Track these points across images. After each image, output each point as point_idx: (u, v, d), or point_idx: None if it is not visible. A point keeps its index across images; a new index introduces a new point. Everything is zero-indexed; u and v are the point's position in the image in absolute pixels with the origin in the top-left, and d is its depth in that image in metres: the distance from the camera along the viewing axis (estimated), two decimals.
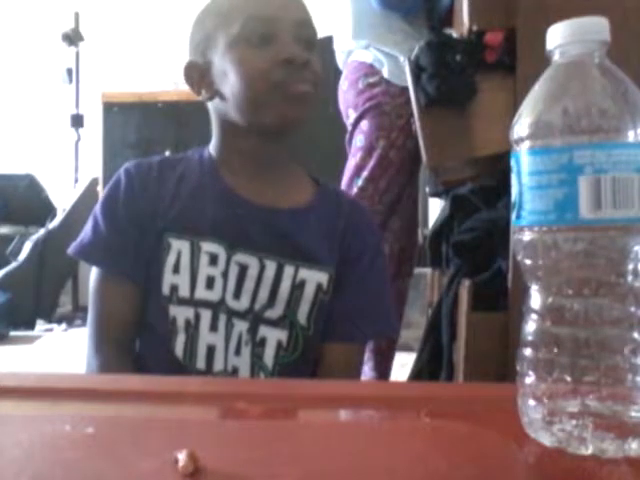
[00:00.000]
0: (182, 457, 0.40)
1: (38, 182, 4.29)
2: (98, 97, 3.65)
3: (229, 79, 0.86)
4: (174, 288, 0.86)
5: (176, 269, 0.86)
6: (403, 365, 1.89)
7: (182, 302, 0.86)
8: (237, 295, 0.86)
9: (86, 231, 0.91)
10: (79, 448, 0.44)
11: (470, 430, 0.48)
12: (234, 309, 0.86)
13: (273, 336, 0.87)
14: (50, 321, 3.81)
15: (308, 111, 0.87)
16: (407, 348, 2.18)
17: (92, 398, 0.57)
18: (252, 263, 0.86)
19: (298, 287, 0.87)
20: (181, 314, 0.86)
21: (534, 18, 1.07)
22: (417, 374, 1.36)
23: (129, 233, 0.88)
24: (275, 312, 0.87)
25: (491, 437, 0.46)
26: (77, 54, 4.17)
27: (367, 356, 1.70)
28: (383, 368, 1.72)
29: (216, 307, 0.86)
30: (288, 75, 0.84)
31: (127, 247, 0.88)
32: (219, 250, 0.86)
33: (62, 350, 3.14)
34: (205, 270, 0.86)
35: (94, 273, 0.90)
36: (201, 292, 0.86)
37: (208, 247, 0.86)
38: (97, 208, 0.92)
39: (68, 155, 4.24)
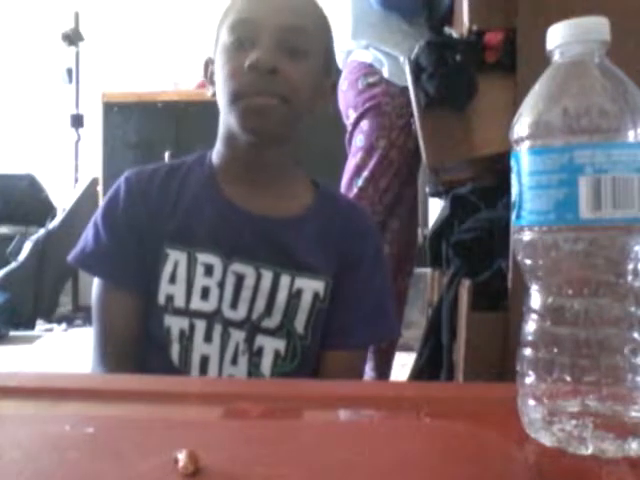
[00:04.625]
0: (182, 457, 0.40)
1: (38, 182, 4.29)
2: (98, 97, 3.65)
3: (217, 81, 0.87)
4: (169, 298, 0.86)
5: (172, 279, 0.86)
6: (403, 365, 1.89)
7: (177, 312, 0.86)
8: (234, 305, 0.86)
9: (87, 240, 0.90)
10: (79, 448, 0.44)
11: (470, 430, 0.48)
12: (231, 319, 0.86)
13: (270, 345, 0.87)
14: (50, 321, 3.81)
15: (275, 124, 0.84)
16: (407, 348, 2.18)
17: (92, 398, 0.57)
18: (248, 273, 0.86)
19: (295, 296, 0.87)
20: (176, 324, 0.86)
21: (534, 18, 1.07)
22: (417, 374, 1.36)
23: (130, 243, 0.88)
24: (272, 321, 0.87)
25: (491, 437, 0.46)
26: (77, 54, 4.17)
27: (367, 356, 1.70)
28: (383, 368, 1.72)
29: (211, 318, 0.86)
30: (250, 84, 0.82)
31: (129, 258, 0.88)
32: (215, 261, 0.86)
33: (62, 350, 3.14)
34: (201, 281, 0.86)
35: (96, 284, 0.90)
36: (196, 303, 0.86)
37: (204, 258, 0.86)
38: (98, 217, 0.91)
39: (68, 155, 4.24)
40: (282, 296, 0.86)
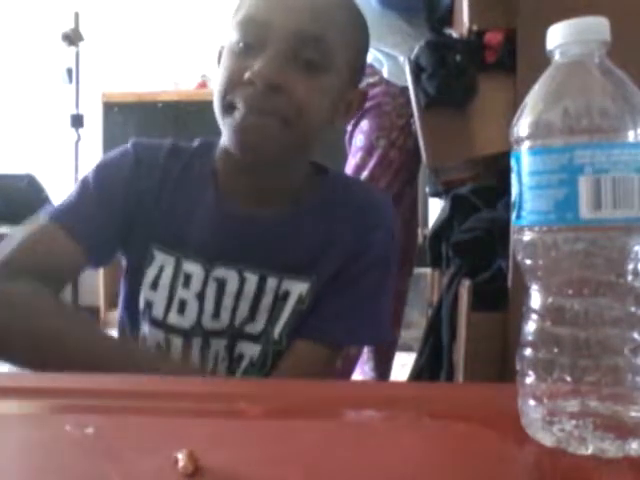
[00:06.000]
0: (182, 457, 0.40)
1: (38, 182, 4.28)
2: (98, 97, 3.66)
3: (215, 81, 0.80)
4: (148, 305, 0.82)
5: (154, 285, 0.82)
6: (403, 365, 1.89)
7: (154, 323, 0.82)
8: (216, 315, 0.82)
9: (70, 196, 0.83)
10: (79, 448, 0.44)
11: (470, 430, 0.48)
12: (212, 329, 0.82)
13: (251, 352, 0.83)
14: None
15: (271, 147, 0.74)
16: (407, 348, 2.18)
17: (92, 398, 0.56)
18: (231, 277, 0.81)
19: (281, 299, 0.82)
20: (152, 336, 0.82)
21: (534, 18, 1.07)
22: (417, 374, 1.36)
23: (120, 216, 0.81)
24: (256, 327, 0.83)
25: (491, 437, 0.46)
26: (77, 54, 4.16)
27: (367, 356, 1.70)
28: (383, 368, 1.72)
29: (188, 333, 0.82)
30: (246, 99, 0.72)
31: (111, 231, 0.80)
32: (196, 269, 0.81)
33: None
34: (179, 293, 0.81)
35: (45, 221, 0.79)
36: (173, 317, 0.81)
37: (187, 266, 0.81)
38: (92, 174, 0.83)
39: (68, 155, 4.23)
40: (267, 299, 0.82)
